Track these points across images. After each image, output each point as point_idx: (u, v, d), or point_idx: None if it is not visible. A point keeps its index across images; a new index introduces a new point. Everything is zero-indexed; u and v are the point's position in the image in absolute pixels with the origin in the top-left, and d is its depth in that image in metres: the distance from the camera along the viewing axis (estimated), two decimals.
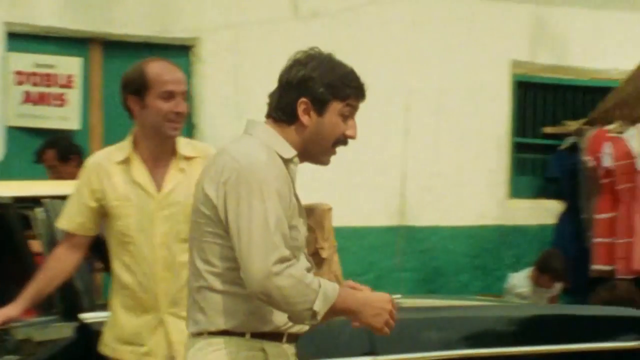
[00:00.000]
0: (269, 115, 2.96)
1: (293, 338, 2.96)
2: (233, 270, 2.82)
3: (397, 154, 7.81)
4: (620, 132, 7.94)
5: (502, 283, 7.76)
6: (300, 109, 2.92)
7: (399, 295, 5.52)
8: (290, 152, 2.93)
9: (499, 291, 7.78)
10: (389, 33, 8.13)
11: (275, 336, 2.91)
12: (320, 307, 2.74)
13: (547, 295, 7.63)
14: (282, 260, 2.73)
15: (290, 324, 2.88)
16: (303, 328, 2.94)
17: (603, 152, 7.88)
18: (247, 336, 2.87)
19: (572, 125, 8.62)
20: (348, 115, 2.99)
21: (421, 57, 8.20)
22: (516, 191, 8.72)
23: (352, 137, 3.00)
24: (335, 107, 2.96)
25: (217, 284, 2.85)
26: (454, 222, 8.22)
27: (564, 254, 8.00)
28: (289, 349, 2.95)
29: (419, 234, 8.17)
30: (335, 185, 7.90)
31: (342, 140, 3.00)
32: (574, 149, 8.51)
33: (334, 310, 2.79)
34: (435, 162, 8.23)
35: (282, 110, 2.93)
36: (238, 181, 2.79)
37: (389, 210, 8.05)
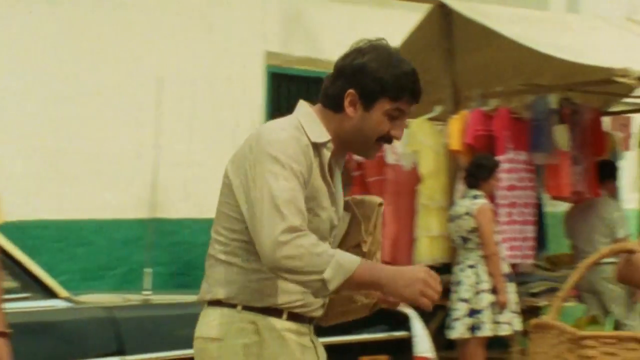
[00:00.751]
0: (319, 100, 2.94)
1: (298, 317, 2.90)
2: (235, 241, 2.86)
3: (148, 145, 7.56)
4: None
5: None
6: (347, 99, 2.87)
7: (149, 292, 5.37)
8: (322, 137, 2.88)
9: None
10: (142, 17, 7.88)
11: (272, 312, 2.87)
12: (331, 275, 2.65)
13: None
14: (291, 230, 2.68)
15: (292, 302, 2.86)
16: (311, 307, 2.90)
17: None
18: (239, 308, 2.86)
19: None
20: (396, 117, 2.88)
21: (173, 45, 8.01)
22: None
23: (397, 138, 2.91)
24: (384, 105, 2.86)
25: (220, 253, 2.89)
26: (207, 214, 8.06)
27: None
28: (295, 327, 2.89)
29: (170, 227, 7.98)
30: (81, 176, 7.58)
31: (387, 138, 2.91)
32: None
33: (358, 283, 2.69)
34: (188, 153, 8.07)
35: (330, 97, 2.90)
36: (254, 154, 2.80)
37: (140, 203, 7.81)
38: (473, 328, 6.98)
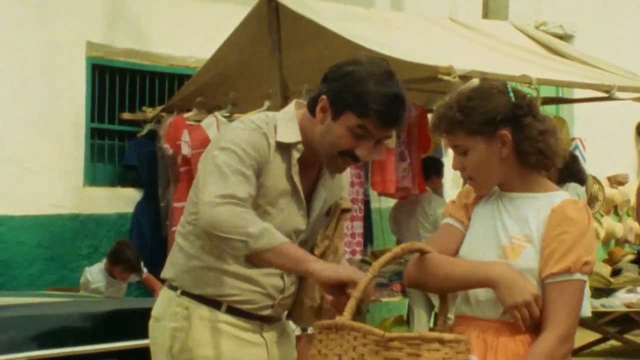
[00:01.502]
0: None
1: (240, 313, 2.91)
2: (189, 225, 2.93)
3: None
4: (198, 120, 7.96)
5: (79, 274, 7.46)
6: (319, 104, 2.87)
7: None
8: (290, 138, 2.90)
9: (76, 283, 7.46)
10: None
11: (208, 301, 2.91)
12: (257, 233, 2.69)
13: (124, 287, 7.42)
14: (231, 196, 2.73)
15: (231, 296, 2.89)
16: (255, 305, 2.88)
17: (182, 139, 7.84)
18: (178, 292, 2.95)
19: (150, 111, 8.53)
20: (361, 136, 2.79)
21: None
22: (92, 179, 8.42)
23: (363, 158, 2.86)
24: (350, 119, 2.81)
25: (179, 235, 2.99)
26: (25, 211, 7.74)
27: (143, 243, 7.86)
28: (235, 321, 2.91)
29: None
30: None
31: (351, 155, 2.84)
32: (152, 136, 8.42)
33: (283, 261, 2.73)
34: (4, 147, 7.70)
35: (310, 99, 2.92)
36: (215, 140, 2.91)
37: None
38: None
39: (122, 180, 8.63)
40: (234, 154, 2.80)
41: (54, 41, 8.02)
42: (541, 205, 2.78)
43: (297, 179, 2.93)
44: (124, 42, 8.51)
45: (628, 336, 9.53)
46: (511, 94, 2.80)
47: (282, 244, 2.72)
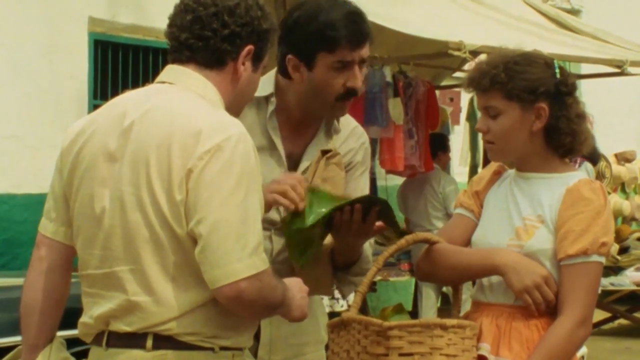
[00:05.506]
0: None
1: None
2: None
3: None
4: None
5: None
6: (290, 66, 2.76)
7: None
8: (261, 92, 2.74)
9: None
10: None
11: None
12: None
13: None
14: None
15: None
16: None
17: None
18: None
19: None
20: (343, 68, 2.67)
21: None
22: None
23: (356, 87, 2.71)
24: (325, 59, 2.69)
25: None
26: (27, 189, 7.65)
27: None
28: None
29: None
30: None
31: (346, 92, 2.72)
32: None
33: None
34: (7, 124, 7.60)
35: (279, 65, 2.80)
36: None
37: None
38: None
39: None
40: None
41: (55, 17, 7.91)
42: (555, 185, 2.71)
43: (274, 134, 2.83)
44: (127, 17, 8.40)
45: (637, 314, 9.48)
46: (557, 70, 2.72)
47: None
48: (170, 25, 2.50)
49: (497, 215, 2.76)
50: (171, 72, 2.48)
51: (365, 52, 2.75)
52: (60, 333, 2.58)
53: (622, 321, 9.57)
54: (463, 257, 2.73)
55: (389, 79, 7.42)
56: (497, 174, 2.86)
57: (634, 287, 9.09)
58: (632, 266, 9.27)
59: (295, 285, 2.48)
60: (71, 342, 2.76)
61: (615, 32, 8.88)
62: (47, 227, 2.55)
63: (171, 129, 2.32)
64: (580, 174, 2.76)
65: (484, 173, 2.89)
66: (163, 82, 2.48)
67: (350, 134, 2.97)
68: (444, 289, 8.27)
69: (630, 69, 7.53)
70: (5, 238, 7.61)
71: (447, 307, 8.52)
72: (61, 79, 7.93)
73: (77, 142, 2.46)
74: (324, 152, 2.87)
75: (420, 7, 7.51)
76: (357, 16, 2.73)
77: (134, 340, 2.34)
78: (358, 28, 2.71)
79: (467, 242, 2.79)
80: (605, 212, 2.65)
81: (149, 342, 2.33)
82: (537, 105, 2.69)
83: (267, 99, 2.84)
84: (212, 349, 2.36)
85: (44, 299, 2.52)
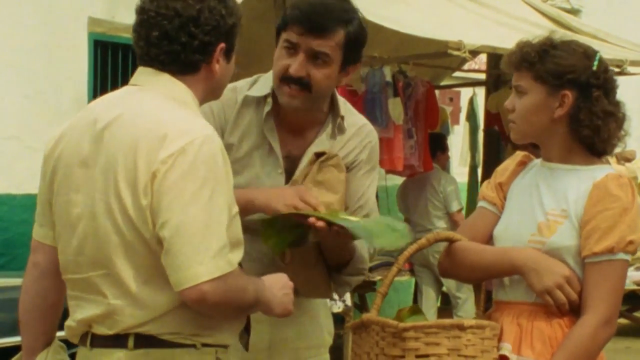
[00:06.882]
0: None
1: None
2: None
3: None
4: None
5: None
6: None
7: None
8: (258, 92, 2.88)
9: None
10: None
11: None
12: None
13: None
14: None
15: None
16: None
17: None
18: None
19: None
20: (291, 52, 2.76)
21: None
22: None
23: (291, 74, 2.76)
24: (281, 38, 2.78)
25: None
26: (27, 189, 7.64)
27: None
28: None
29: None
30: None
31: (289, 78, 2.78)
32: None
33: None
34: (7, 124, 7.60)
35: None
36: None
37: None
38: None
39: None
40: None
41: (55, 17, 7.90)
42: (582, 179, 2.65)
43: (270, 135, 2.82)
44: (127, 17, 8.36)
45: (637, 314, 9.47)
46: (596, 62, 2.67)
47: None
48: (136, 36, 2.48)
49: (520, 209, 2.72)
50: (142, 74, 2.48)
51: (317, 44, 2.72)
52: (60, 334, 2.59)
53: (622, 321, 9.56)
54: (483, 256, 2.68)
55: (388, 78, 7.40)
56: (522, 165, 2.81)
57: (634, 287, 9.08)
58: (632, 266, 9.27)
59: (277, 283, 2.48)
60: (71, 343, 2.78)
61: (615, 32, 8.87)
62: (38, 231, 2.57)
63: (138, 134, 2.33)
64: (607, 167, 2.70)
65: (508, 163, 2.84)
66: (135, 85, 2.48)
67: (356, 132, 2.95)
68: (444, 288, 8.26)
69: (630, 69, 7.52)
70: (5, 238, 7.60)
71: (447, 307, 8.53)
72: (61, 79, 7.92)
73: (57, 148, 2.49)
74: (318, 155, 2.85)
75: (420, 7, 7.50)
76: (322, 7, 2.72)
77: (116, 340, 2.38)
78: (315, 16, 2.70)
79: (490, 237, 2.75)
80: (633, 210, 2.59)
81: (131, 342, 2.36)
82: (562, 92, 2.65)
83: (265, 99, 2.84)
84: (194, 346, 2.38)
85: (40, 303, 2.55)
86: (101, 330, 2.39)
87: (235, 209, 2.39)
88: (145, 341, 2.35)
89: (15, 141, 7.62)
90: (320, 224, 2.62)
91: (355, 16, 2.81)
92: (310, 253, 2.82)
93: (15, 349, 2.67)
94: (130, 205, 2.30)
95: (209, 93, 2.52)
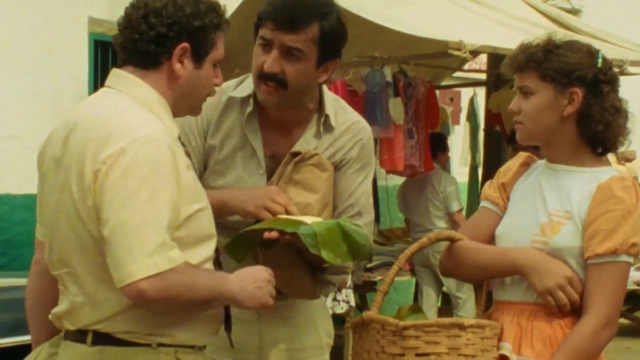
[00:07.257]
0: None
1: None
2: None
3: None
4: None
5: None
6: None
7: None
8: (241, 92, 2.90)
9: None
10: None
11: None
12: None
13: None
14: None
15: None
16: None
17: None
18: None
19: None
20: (266, 46, 2.76)
21: None
22: None
23: (265, 71, 2.75)
24: (257, 35, 2.82)
25: None
26: (27, 190, 7.64)
27: None
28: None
29: None
30: None
31: (265, 75, 2.81)
32: None
33: None
34: (7, 124, 7.60)
35: None
36: None
37: None
38: None
39: None
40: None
41: (55, 17, 7.90)
42: (586, 180, 2.65)
43: (252, 136, 2.80)
44: None
45: (637, 314, 9.47)
46: (600, 60, 2.67)
47: None
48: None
49: (522, 210, 2.71)
50: (112, 75, 2.54)
51: (289, 39, 2.70)
52: None
53: (622, 321, 9.56)
54: (484, 255, 2.68)
55: (389, 78, 7.40)
56: (525, 165, 2.81)
57: (634, 287, 9.08)
58: (632, 266, 9.26)
59: (248, 276, 2.48)
60: None
61: (615, 32, 8.87)
62: (38, 229, 2.63)
63: (89, 136, 2.38)
64: (611, 169, 2.70)
65: (511, 164, 2.83)
66: (108, 87, 2.53)
67: (346, 130, 2.91)
68: (444, 288, 8.26)
69: (630, 69, 7.51)
70: (5, 239, 7.60)
71: (448, 307, 8.53)
72: (61, 79, 7.92)
73: (44, 149, 2.56)
74: (294, 155, 2.82)
75: (420, 7, 7.50)
76: (296, 1, 2.70)
77: (79, 336, 2.45)
78: (286, 11, 2.68)
79: (492, 237, 2.75)
80: (637, 212, 2.59)
81: (89, 339, 2.42)
82: (571, 89, 2.65)
83: (248, 99, 2.82)
84: (149, 345, 2.41)
85: (41, 298, 2.63)
86: (66, 325, 2.49)
87: (196, 206, 2.41)
88: (101, 339, 2.42)
89: (15, 141, 7.61)
90: (273, 234, 2.61)
91: (331, 10, 2.76)
92: (286, 254, 2.78)
93: (16, 348, 2.69)
94: (80, 205, 2.37)
95: (181, 99, 2.50)
